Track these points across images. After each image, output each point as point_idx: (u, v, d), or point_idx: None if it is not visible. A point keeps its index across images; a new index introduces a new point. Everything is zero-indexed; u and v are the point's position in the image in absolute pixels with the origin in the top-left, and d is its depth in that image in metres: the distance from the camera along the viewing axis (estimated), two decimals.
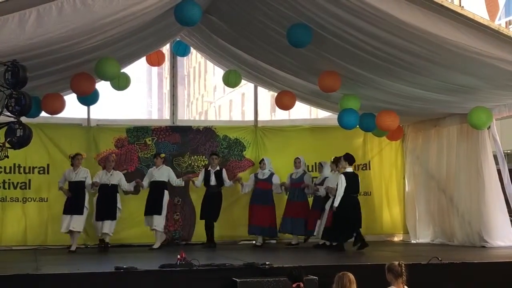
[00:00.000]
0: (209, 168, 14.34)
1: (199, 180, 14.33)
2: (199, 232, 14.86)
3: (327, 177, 14.06)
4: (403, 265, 6.54)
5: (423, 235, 15.17)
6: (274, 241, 14.84)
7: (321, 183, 14.08)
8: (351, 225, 12.65)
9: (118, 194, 13.66)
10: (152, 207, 13.66)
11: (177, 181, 14.07)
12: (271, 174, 14.51)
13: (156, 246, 13.58)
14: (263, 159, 14.62)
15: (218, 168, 14.32)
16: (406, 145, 15.93)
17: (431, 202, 14.97)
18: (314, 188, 14.12)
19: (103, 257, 12.05)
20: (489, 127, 13.10)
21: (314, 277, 8.70)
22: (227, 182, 14.32)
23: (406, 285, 6.56)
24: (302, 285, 7.08)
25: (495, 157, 13.42)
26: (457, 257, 10.65)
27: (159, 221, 13.62)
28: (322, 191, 13.84)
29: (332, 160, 14.04)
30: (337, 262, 10.12)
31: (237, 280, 8.69)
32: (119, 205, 13.62)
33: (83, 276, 8.85)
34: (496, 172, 13.44)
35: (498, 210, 13.35)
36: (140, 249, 13.56)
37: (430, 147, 15.09)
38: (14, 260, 11.68)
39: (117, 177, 13.68)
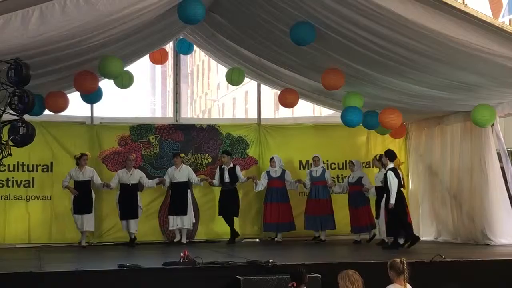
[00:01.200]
0: (223, 166, 14.47)
1: (216, 179, 14.53)
2: (203, 230, 14.90)
3: (363, 176, 14.34)
4: (405, 262, 6.53)
5: (427, 233, 15.14)
6: (280, 239, 14.84)
7: (358, 183, 14.27)
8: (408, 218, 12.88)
9: (139, 193, 13.96)
10: (179, 208, 14.04)
11: (196, 180, 14.37)
12: (283, 171, 14.66)
13: (184, 241, 14.07)
14: (273, 157, 14.73)
15: (231, 165, 14.47)
16: (409, 142, 15.92)
17: (434, 200, 14.96)
18: (364, 189, 14.24)
19: (107, 255, 12.06)
20: (493, 124, 13.07)
21: (318, 275, 8.69)
22: (242, 178, 14.56)
23: (408, 282, 6.55)
24: (295, 284, 7.08)
25: (498, 155, 13.40)
26: (461, 255, 10.63)
27: (188, 220, 14.06)
28: (372, 191, 13.98)
29: (377, 158, 14.03)
30: (340, 260, 10.12)
31: (241, 278, 8.69)
32: (140, 203, 13.92)
33: (87, 274, 8.86)
34: (500, 170, 13.41)
35: (501, 208, 13.32)
36: (143, 246, 13.58)
37: (433, 144, 15.08)
38: (17, 258, 11.70)
39: (137, 176, 13.97)
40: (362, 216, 14.23)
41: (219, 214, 14.52)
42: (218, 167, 14.63)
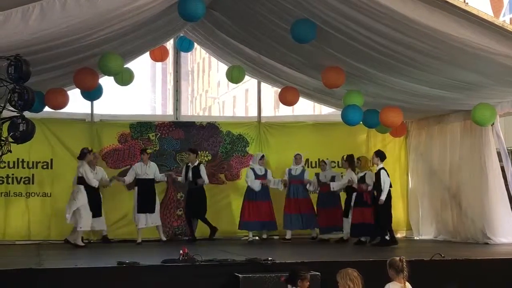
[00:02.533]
0: (189, 164, 14.34)
1: (182, 175, 14.35)
2: (202, 228, 14.88)
3: (335, 176, 14.39)
4: (404, 260, 6.53)
5: (426, 232, 15.16)
6: (277, 237, 14.83)
7: (332, 180, 14.31)
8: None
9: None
10: (148, 206, 13.74)
11: (160, 177, 14.10)
12: (266, 170, 14.58)
13: (164, 238, 13.87)
14: (263, 155, 14.67)
15: (196, 163, 14.26)
16: (409, 141, 15.92)
17: (434, 198, 14.95)
18: (305, 181, 14.36)
19: (106, 252, 12.05)
20: (493, 123, 13.07)
21: (317, 273, 8.69)
22: (204, 179, 14.12)
23: (408, 281, 6.54)
24: (283, 278, 7.23)
25: (498, 154, 13.39)
26: (460, 254, 10.64)
27: (156, 218, 13.82)
28: (337, 185, 14.06)
29: (344, 159, 14.13)
30: (339, 258, 10.10)
31: (240, 275, 8.69)
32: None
33: (86, 271, 8.86)
34: (500, 169, 13.41)
35: (501, 207, 13.33)
36: (143, 244, 13.55)
37: (433, 143, 15.07)
38: (17, 254, 11.71)
39: (100, 174, 13.66)
40: (330, 217, 14.18)
41: (186, 216, 14.36)
42: (185, 164, 14.48)
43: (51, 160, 14.43)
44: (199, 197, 14.17)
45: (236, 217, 14.71)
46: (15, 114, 9.27)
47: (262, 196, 14.31)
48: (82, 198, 12.91)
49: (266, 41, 12.63)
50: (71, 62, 11.11)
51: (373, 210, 13.01)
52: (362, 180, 13.45)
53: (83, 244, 13.01)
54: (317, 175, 14.73)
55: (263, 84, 16.43)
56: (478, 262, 10.02)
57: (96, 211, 13.29)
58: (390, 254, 7.44)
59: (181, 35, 14.60)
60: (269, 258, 9.31)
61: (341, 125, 13.92)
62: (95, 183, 13.10)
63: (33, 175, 14.37)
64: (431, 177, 15.07)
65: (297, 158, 14.57)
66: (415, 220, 15.53)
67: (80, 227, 12.91)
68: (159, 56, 14.79)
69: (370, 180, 13.30)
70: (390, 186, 12.99)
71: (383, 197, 12.69)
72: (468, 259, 10.02)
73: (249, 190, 14.37)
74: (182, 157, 15.03)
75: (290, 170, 14.59)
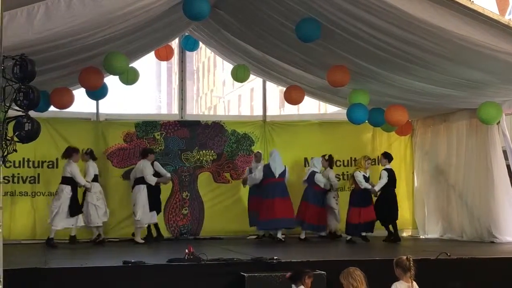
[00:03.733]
0: None
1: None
2: (208, 227, 14.88)
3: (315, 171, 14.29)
4: (411, 259, 6.53)
5: (432, 230, 15.14)
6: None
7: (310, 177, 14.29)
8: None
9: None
10: (158, 204, 14.01)
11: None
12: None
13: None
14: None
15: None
16: (415, 140, 15.90)
17: (440, 197, 14.94)
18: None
19: (111, 252, 12.06)
20: (499, 122, 13.04)
21: (323, 272, 8.69)
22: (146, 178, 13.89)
23: (414, 280, 6.54)
24: (287, 276, 7.34)
25: (504, 152, 13.36)
26: (466, 253, 10.61)
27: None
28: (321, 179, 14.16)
29: (326, 158, 14.34)
30: (345, 257, 10.10)
31: (245, 274, 8.69)
32: None
33: (91, 270, 8.87)
34: (506, 168, 13.40)
35: (507, 206, 13.31)
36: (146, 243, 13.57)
37: (439, 142, 15.05)
38: (23, 254, 11.70)
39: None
40: (315, 215, 14.10)
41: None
42: None
43: (57, 159, 14.39)
44: (153, 194, 13.97)
45: (241, 216, 14.68)
46: (20, 113, 9.27)
47: (280, 193, 13.82)
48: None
49: (271, 40, 12.62)
50: (76, 61, 11.13)
51: (375, 206, 13.66)
52: (369, 179, 13.85)
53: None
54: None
55: (268, 83, 16.42)
56: (484, 261, 10.00)
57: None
58: (396, 253, 7.43)
59: (186, 34, 14.60)
60: (275, 257, 9.31)
61: (346, 124, 13.91)
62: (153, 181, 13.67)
63: (38, 174, 14.40)
64: (436, 175, 15.06)
65: (257, 156, 14.32)
66: (421, 218, 15.51)
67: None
68: (164, 55, 14.79)
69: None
70: (394, 187, 13.70)
71: (376, 188, 13.58)
72: (474, 258, 10.00)
73: (267, 187, 13.88)
74: (187, 156, 15.05)
75: (250, 169, 14.52)
